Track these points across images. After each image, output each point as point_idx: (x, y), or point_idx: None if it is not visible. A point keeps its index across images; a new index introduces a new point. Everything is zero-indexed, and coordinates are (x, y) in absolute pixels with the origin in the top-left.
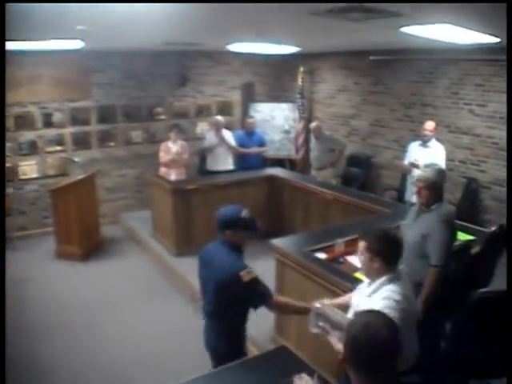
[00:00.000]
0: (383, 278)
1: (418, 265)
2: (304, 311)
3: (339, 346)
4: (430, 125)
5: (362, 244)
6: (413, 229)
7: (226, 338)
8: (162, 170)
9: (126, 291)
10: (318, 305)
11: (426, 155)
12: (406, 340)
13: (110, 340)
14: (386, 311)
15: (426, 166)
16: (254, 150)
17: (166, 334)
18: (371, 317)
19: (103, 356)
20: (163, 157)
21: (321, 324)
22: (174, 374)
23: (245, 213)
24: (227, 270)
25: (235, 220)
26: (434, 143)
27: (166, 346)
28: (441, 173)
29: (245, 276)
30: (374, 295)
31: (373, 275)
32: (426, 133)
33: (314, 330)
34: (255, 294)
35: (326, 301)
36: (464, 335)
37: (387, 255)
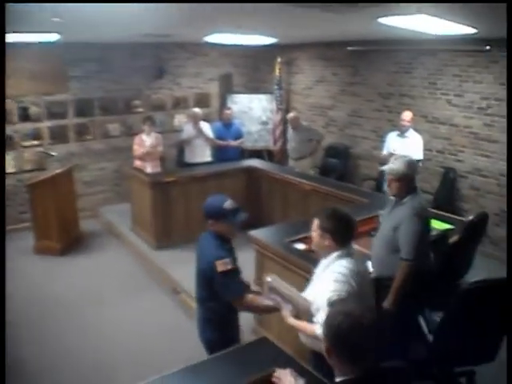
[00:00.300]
0: (334, 254)
1: (391, 259)
2: (273, 310)
3: (290, 319)
4: (407, 115)
5: (315, 221)
6: (386, 221)
7: (213, 326)
8: (137, 163)
9: (106, 285)
10: (269, 278)
11: (404, 145)
12: None
13: (91, 334)
14: (336, 285)
15: (396, 158)
16: (232, 143)
17: (147, 327)
18: (350, 305)
19: (84, 349)
20: (137, 150)
21: (273, 297)
22: (156, 366)
23: (228, 203)
24: (206, 257)
25: (216, 210)
26: (411, 133)
27: (146, 338)
28: (411, 164)
29: (219, 266)
30: (326, 270)
31: (324, 252)
32: (404, 123)
33: (267, 302)
34: (225, 286)
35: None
36: (453, 326)
37: (337, 233)
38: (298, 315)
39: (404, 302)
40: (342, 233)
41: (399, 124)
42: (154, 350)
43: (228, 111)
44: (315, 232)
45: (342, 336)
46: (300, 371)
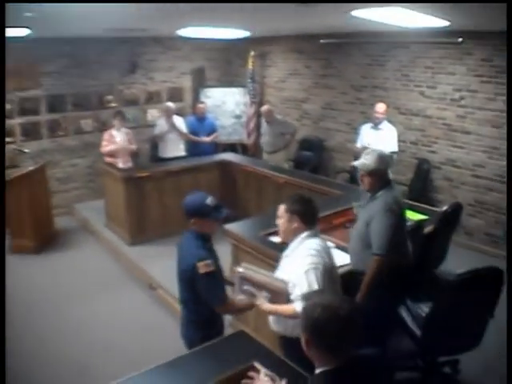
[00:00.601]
0: (303, 235)
1: (365, 253)
2: (251, 306)
3: (266, 306)
4: (380, 107)
5: (281, 207)
6: (360, 217)
7: (196, 326)
8: (108, 159)
9: (82, 282)
10: (240, 269)
11: (378, 138)
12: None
13: (67, 331)
14: (312, 258)
15: (367, 152)
16: (205, 139)
17: (124, 323)
18: (327, 295)
19: (61, 347)
20: (105, 146)
21: (246, 288)
22: (134, 363)
23: (209, 200)
24: (187, 258)
25: (198, 208)
26: (385, 125)
27: (124, 335)
28: (383, 158)
29: (201, 267)
30: (296, 250)
31: (293, 235)
32: (378, 115)
33: (240, 297)
34: (208, 290)
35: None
36: (441, 318)
37: (305, 214)
38: (274, 300)
39: (379, 296)
40: (310, 214)
41: (373, 116)
42: (131, 347)
43: (201, 105)
44: (282, 218)
45: (321, 328)
46: (277, 363)
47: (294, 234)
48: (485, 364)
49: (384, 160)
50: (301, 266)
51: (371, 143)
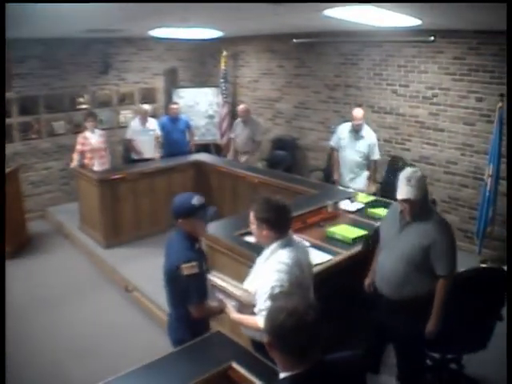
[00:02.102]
0: (274, 245)
1: (417, 278)
2: (221, 311)
3: (233, 315)
4: (358, 112)
5: (251, 213)
6: (400, 240)
7: (184, 328)
8: (84, 162)
9: (57, 286)
10: (211, 277)
11: (360, 145)
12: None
13: (43, 336)
14: (279, 275)
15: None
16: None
17: (100, 327)
18: (293, 301)
19: (37, 352)
20: (79, 149)
21: (216, 295)
22: (111, 366)
23: (196, 199)
24: (173, 259)
25: (185, 207)
26: (366, 131)
27: (100, 339)
28: (424, 180)
29: (185, 269)
30: (267, 261)
31: (265, 241)
32: (356, 122)
33: (213, 303)
34: (186, 291)
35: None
36: (448, 315)
37: (272, 222)
38: (241, 310)
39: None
40: (278, 221)
41: (353, 124)
42: (107, 350)
43: (174, 106)
44: (253, 224)
45: (285, 334)
46: (255, 363)
47: (267, 240)
48: (488, 362)
49: (425, 181)
50: (267, 281)
51: (347, 146)
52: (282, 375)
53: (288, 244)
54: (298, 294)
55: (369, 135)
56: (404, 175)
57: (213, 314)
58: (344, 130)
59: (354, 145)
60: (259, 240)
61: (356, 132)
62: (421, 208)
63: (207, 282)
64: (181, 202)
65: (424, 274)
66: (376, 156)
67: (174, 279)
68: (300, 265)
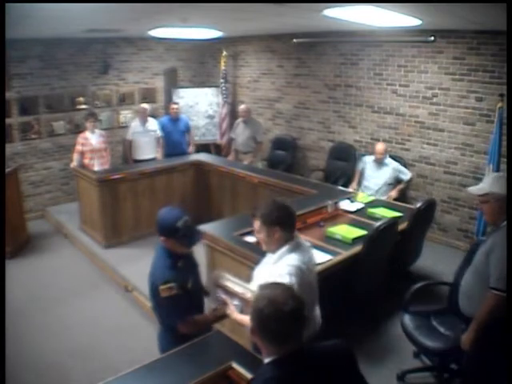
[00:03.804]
0: (284, 248)
1: (480, 296)
2: (223, 317)
3: (236, 315)
4: (380, 147)
5: (257, 222)
6: (478, 252)
7: (166, 337)
8: (85, 163)
9: (57, 286)
10: (216, 275)
11: (387, 172)
12: (308, 307)
13: (44, 336)
14: (290, 278)
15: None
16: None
17: (100, 326)
18: (277, 290)
19: (37, 351)
20: (79, 149)
21: (219, 295)
22: (111, 366)
23: (182, 222)
24: (153, 277)
25: (168, 228)
26: (389, 161)
27: (100, 338)
28: (503, 181)
29: (162, 291)
30: (276, 263)
31: (275, 247)
32: (378, 156)
33: (213, 306)
34: (164, 312)
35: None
36: None
37: (284, 222)
38: (245, 309)
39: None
40: (289, 220)
41: (375, 157)
42: (107, 350)
43: (175, 106)
44: (261, 232)
45: (263, 320)
46: (255, 363)
47: (278, 244)
48: None
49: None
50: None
51: (371, 176)
52: (266, 360)
53: (297, 247)
54: (308, 296)
55: (391, 163)
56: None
57: (210, 323)
58: (367, 161)
59: (379, 174)
60: (269, 247)
61: (379, 164)
62: (494, 211)
63: (198, 294)
64: (166, 221)
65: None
66: (408, 175)
67: (154, 296)
68: (308, 267)
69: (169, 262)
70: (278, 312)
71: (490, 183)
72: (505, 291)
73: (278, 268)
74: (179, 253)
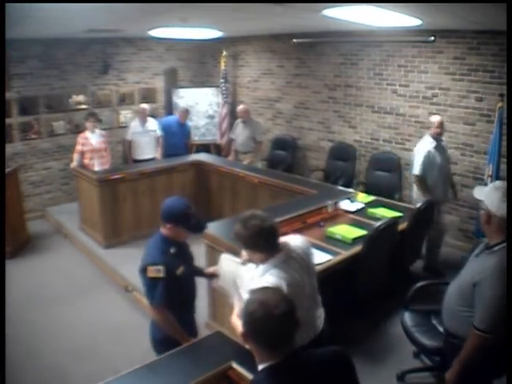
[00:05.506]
0: (267, 264)
1: (463, 315)
2: (183, 339)
3: (234, 319)
4: (436, 118)
5: (242, 251)
6: (468, 267)
7: (152, 325)
8: (85, 163)
9: (57, 286)
10: (222, 256)
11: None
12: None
13: (43, 336)
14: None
15: (496, 187)
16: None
17: (100, 326)
18: (268, 294)
19: (37, 351)
20: (79, 149)
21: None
22: (111, 365)
23: (192, 209)
24: (143, 258)
25: (179, 215)
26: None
27: (100, 338)
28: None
29: (150, 271)
30: (261, 278)
31: (260, 262)
32: (436, 131)
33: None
34: (148, 292)
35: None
36: None
37: (260, 246)
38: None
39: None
40: (265, 242)
41: (431, 133)
42: (107, 350)
43: (186, 111)
44: (245, 255)
45: (255, 324)
46: (255, 363)
47: (261, 262)
48: None
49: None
50: None
51: (437, 157)
52: (260, 367)
53: (279, 262)
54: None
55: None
56: (501, 189)
57: (171, 330)
58: (427, 146)
59: (443, 153)
60: (254, 262)
61: (438, 142)
62: (493, 227)
63: (189, 284)
64: (176, 209)
65: (471, 312)
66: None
67: (142, 278)
68: (293, 282)
69: (162, 246)
70: (268, 315)
71: (487, 191)
72: (487, 332)
73: (261, 282)
74: (177, 241)
